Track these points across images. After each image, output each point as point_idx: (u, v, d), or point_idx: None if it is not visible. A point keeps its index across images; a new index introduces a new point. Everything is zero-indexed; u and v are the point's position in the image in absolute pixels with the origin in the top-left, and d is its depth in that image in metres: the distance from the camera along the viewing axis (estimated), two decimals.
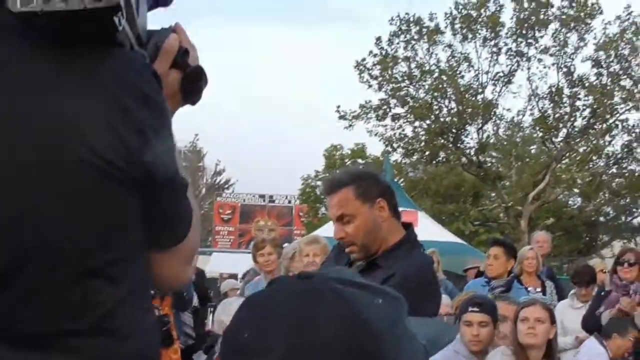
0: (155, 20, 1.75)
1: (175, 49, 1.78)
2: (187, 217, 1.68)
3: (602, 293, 6.68)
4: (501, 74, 27.89)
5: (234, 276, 14.91)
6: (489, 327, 4.60)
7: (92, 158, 1.43)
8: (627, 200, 29.46)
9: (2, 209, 1.41)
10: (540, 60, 27.43)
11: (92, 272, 1.46)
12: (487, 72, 27.94)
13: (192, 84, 1.83)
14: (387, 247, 3.24)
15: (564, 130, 27.95)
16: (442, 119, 28.53)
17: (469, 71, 28.30)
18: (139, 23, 1.60)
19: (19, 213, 1.41)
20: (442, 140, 29.08)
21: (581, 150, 27.79)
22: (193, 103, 1.87)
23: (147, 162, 1.51)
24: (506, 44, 27.44)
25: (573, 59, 27.15)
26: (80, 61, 1.48)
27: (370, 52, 28.32)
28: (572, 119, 27.69)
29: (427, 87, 28.31)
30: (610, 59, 26.78)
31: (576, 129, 27.76)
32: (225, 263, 24.78)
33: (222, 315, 5.79)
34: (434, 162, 30.28)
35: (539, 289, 7.81)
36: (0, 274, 1.41)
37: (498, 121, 29.31)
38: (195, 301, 9.38)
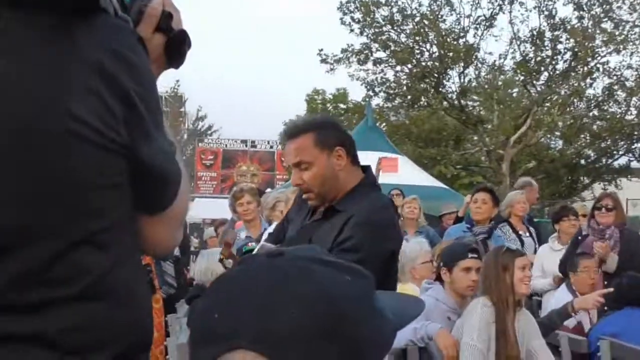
0: None
1: (159, 12, 1.78)
2: (176, 181, 1.70)
3: (580, 237, 6.75)
4: (483, 18, 27.76)
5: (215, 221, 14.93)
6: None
7: (76, 125, 1.43)
8: (608, 143, 29.52)
9: None
10: (522, 3, 27.28)
11: (83, 240, 1.48)
12: (468, 16, 27.80)
13: (176, 47, 1.83)
14: (345, 192, 3.28)
15: (546, 73, 27.94)
16: (423, 63, 28.42)
17: (451, 15, 28.16)
18: None
19: (3, 183, 1.41)
20: (424, 85, 29.01)
21: (562, 93, 27.76)
22: (177, 67, 1.88)
23: (132, 129, 1.53)
24: None
25: (555, 2, 27.03)
26: (63, 28, 1.48)
27: None
28: (553, 62, 27.66)
29: (408, 31, 28.16)
30: (592, 2, 26.67)
31: (557, 72, 27.73)
32: (207, 208, 24.84)
33: (200, 265, 5.83)
34: (416, 106, 30.23)
35: (527, 234, 7.91)
36: None
37: (480, 65, 29.21)
38: (177, 250, 9.40)
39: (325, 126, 3.34)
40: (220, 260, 3.14)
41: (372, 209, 3.19)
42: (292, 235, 3.44)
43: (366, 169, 3.44)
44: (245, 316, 1.07)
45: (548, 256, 7.32)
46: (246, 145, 37.02)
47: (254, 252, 3.35)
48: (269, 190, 10.93)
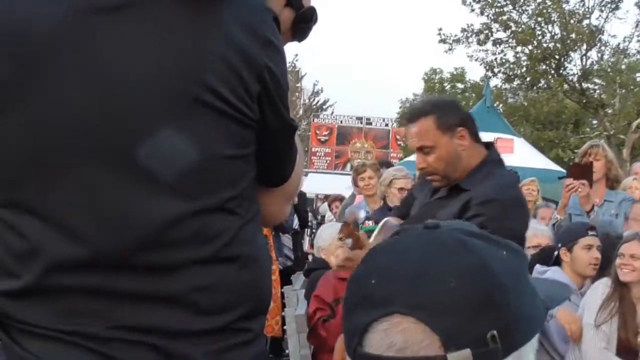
0: None
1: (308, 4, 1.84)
2: (294, 157, 1.77)
3: None
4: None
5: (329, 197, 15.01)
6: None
7: (210, 97, 1.50)
8: None
9: (134, 152, 1.47)
10: None
11: (217, 206, 1.56)
12: None
13: (304, 23, 1.88)
14: (469, 170, 3.22)
15: None
16: (544, 45, 27.77)
17: None
18: None
19: (144, 148, 1.47)
20: (544, 66, 28.35)
21: None
22: (300, 41, 1.93)
23: (264, 105, 1.60)
24: None
25: None
26: (205, 4, 1.54)
27: None
28: None
29: (530, 11, 27.57)
30: None
31: None
32: (321, 184, 24.83)
33: (319, 241, 5.87)
34: (535, 88, 29.62)
35: None
36: (126, 212, 1.48)
37: (603, 48, 28.39)
38: (295, 224, 9.48)
39: (445, 108, 3.28)
40: (340, 239, 3.18)
41: (499, 186, 3.13)
42: (416, 212, 3.41)
43: (489, 145, 3.38)
44: (403, 283, 1.08)
45: None
46: (361, 122, 36.79)
47: (376, 230, 3.36)
48: (383, 169, 10.91)
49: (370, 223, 4.94)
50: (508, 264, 1.12)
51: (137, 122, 1.47)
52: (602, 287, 4.37)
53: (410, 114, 3.35)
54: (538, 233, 5.58)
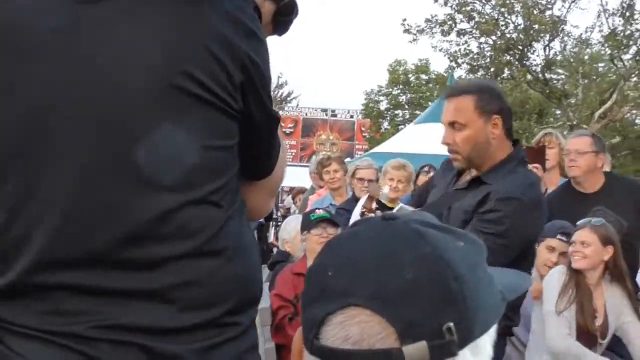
0: None
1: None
2: (277, 149, 1.77)
3: None
4: None
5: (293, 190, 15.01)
6: (567, 258, 4.63)
7: (193, 86, 1.49)
8: None
9: (114, 141, 1.46)
10: None
11: (202, 198, 1.54)
12: None
13: (285, 16, 1.87)
14: (493, 164, 3.22)
15: (634, 47, 27.18)
16: (508, 35, 27.97)
17: None
18: None
19: (129, 140, 1.46)
20: (508, 57, 28.55)
21: None
22: (280, 34, 1.91)
23: (248, 96, 1.59)
24: None
25: None
26: None
27: None
28: None
29: (494, 2, 27.72)
30: None
31: None
32: (287, 176, 24.86)
33: (283, 234, 5.87)
34: (499, 78, 29.81)
35: None
36: (110, 207, 1.46)
37: (565, 38, 28.65)
38: None
39: (489, 92, 3.27)
40: (362, 214, 3.20)
41: (521, 185, 3.13)
42: (434, 200, 3.40)
43: (516, 142, 3.38)
44: (360, 275, 1.08)
45: None
46: (326, 114, 36.94)
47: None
48: (348, 159, 10.95)
49: (320, 211, 4.97)
50: (465, 255, 1.12)
51: (119, 114, 1.45)
52: (557, 274, 4.44)
53: (452, 89, 3.35)
54: None
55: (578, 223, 4.60)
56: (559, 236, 4.76)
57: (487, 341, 1.10)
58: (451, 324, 1.03)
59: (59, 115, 1.44)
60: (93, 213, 1.45)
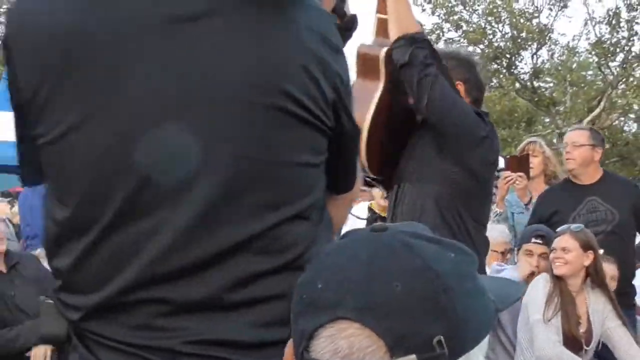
0: None
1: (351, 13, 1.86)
2: (358, 165, 1.79)
3: None
4: None
5: None
6: (548, 260, 4.66)
7: (290, 103, 1.48)
8: None
9: (215, 158, 1.44)
10: None
11: (295, 214, 1.53)
12: None
13: (347, 31, 1.89)
14: None
15: (621, 55, 27.31)
16: (496, 44, 28.07)
17: None
18: None
19: (229, 157, 1.45)
20: (496, 65, 28.64)
21: (638, 75, 27.17)
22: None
23: (340, 113, 1.60)
24: None
25: None
26: (279, 9, 1.53)
27: None
28: (629, 44, 27.01)
29: (481, 11, 27.83)
30: None
31: (633, 54, 27.12)
32: None
33: None
34: (488, 87, 29.88)
35: None
36: (215, 222, 1.45)
37: (553, 46, 28.77)
38: None
39: (456, 59, 3.62)
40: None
41: None
42: None
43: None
44: (350, 288, 1.07)
45: None
46: None
47: None
48: None
49: None
50: (455, 267, 1.12)
51: (219, 131, 1.44)
52: (542, 282, 4.48)
53: None
54: (498, 236, 5.64)
55: (558, 230, 4.64)
56: (533, 239, 4.82)
57: (478, 353, 1.10)
58: (441, 337, 1.03)
59: (167, 127, 1.43)
60: (198, 229, 1.44)
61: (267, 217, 1.48)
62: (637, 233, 5.55)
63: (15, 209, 10.17)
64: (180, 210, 1.43)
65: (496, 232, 5.60)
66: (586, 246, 4.45)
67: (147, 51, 1.43)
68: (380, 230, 1.16)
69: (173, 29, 1.44)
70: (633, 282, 5.48)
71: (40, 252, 6.17)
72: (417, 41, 3.25)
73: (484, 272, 3.91)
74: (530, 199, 6.05)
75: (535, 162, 6.20)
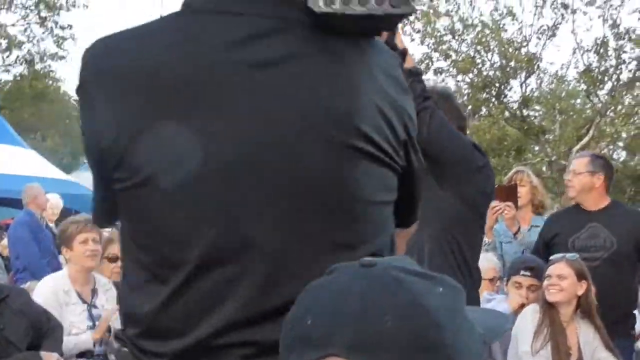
0: None
1: (403, 46, 1.87)
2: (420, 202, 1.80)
3: None
4: (545, 27, 27.41)
5: None
6: (537, 292, 4.67)
7: (364, 143, 1.50)
8: None
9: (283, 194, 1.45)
10: (585, 13, 26.86)
11: (373, 254, 1.49)
12: (531, 25, 27.48)
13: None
14: None
15: (609, 83, 27.42)
16: (485, 73, 28.16)
17: (513, 24, 27.86)
18: None
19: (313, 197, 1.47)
20: (485, 94, 28.71)
21: (626, 103, 27.26)
22: None
23: (410, 152, 1.63)
24: None
25: (619, 11, 26.57)
26: (354, 51, 1.55)
27: None
28: (617, 72, 27.13)
29: (470, 40, 27.94)
30: None
31: (622, 82, 27.23)
32: None
33: None
34: (477, 116, 29.95)
35: None
36: (303, 262, 1.45)
37: (542, 75, 28.90)
38: None
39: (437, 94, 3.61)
40: None
41: None
42: None
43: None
44: (340, 324, 1.07)
45: None
46: None
47: None
48: None
49: None
50: (444, 301, 1.12)
51: (299, 171, 1.46)
52: (531, 313, 4.48)
53: None
54: (486, 263, 5.64)
55: (552, 258, 4.65)
56: (522, 272, 4.83)
57: None
58: None
59: (235, 180, 1.44)
60: (282, 269, 1.45)
61: (345, 256, 1.45)
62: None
63: (5, 241, 10.12)
64: (264, 252, 1.44)
65: (484, 260, 5.61)
66: (581, 275, 4.47)
67: (232, 95, 1.45)
68: (370, 265, 1.16)
69: (257, 73, 1.46)
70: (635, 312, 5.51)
71: (30, 285, 6.14)
72: (414, 75, 3.28)
73: (479, 303, 3.91)
74: (519, 228, 6.07)
75: (522, 192, 6.23)
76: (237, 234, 1.43)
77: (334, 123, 1.48)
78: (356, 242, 1.51)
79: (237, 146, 1.43)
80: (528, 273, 4.86)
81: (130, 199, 1.49)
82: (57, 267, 7.82)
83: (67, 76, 37.29)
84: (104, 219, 1.72)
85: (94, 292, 5.41)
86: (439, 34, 27.97)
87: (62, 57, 30.06)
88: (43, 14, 28.81)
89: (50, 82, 33.23)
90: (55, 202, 11.21)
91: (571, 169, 5.73)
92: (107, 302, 5.40)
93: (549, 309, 4.43)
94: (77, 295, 5.31)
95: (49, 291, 5.29)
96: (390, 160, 1.56)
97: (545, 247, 5.44)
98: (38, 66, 30.37)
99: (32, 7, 28.67)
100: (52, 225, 10.66)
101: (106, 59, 1.50)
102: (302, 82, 1.48)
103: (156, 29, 1.54)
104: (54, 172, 16.55)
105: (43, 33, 29.19)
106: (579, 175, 5.58)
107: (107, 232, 6.86)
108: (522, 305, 4.77)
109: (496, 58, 27.95)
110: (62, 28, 29.19)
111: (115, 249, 6.11)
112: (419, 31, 28.01)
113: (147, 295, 1.49)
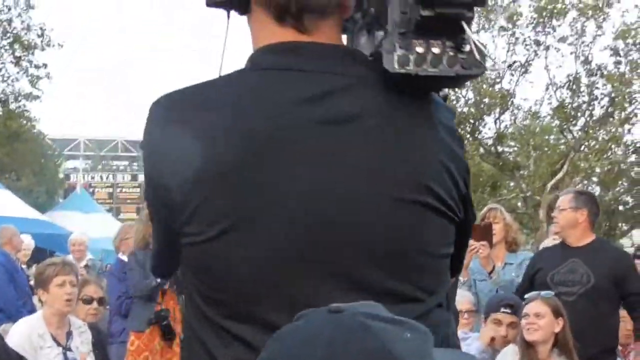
0: None
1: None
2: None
3: None
4: (518, 64, 27.69)
5: None
6: (517, 329, 4.68)
7: (432, 200, 1.52)
8: None
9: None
10: (557, 49, 27.20)
11: (439, 304, 1.59)
12: (503, 62, 27.74)
13: None
14: None
15: (583, 119, 27.72)
16: (459, 110, 28.38)
17: (486, 61, 28.05)
18: None
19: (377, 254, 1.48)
20: (460, 131, 28.86)
21: (600, 139, 27.54)
22: None
23: (467, 206, 1.66)
24: (522, 34, 27.23)
25: (591, 48, 26.95)
26: (420, 107, 1.58)
27: None
28: (590, 108, 27.44)
29: None
30: (629, 48, 26.53)
31: (595, 118, 27.52)
32: None
33: None
34: None
35: None
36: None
37: (516, 111, 29.15)
38: None
39: None
40: None
41: None
42: None
43: None
44: None
45: None
46: None
47: None
48: None
49: None
50: (412, 346, 1.12)
51: (371, 226, 1.47)
52: (510, 354, 4.47)
53: None
54: (461, 298, 5.66)
55: (527, 296, 4.67)
56: (502, 309, 4.83)
57: None
58: None
59: (302, 237, 1.44)
60: None
61: (416, 309, 1.49)
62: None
63: None
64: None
65: (460, 296, 5.64)
66: (557, 312, 4.49)
67: (305, 153, 1.46)
68: (338, 311, 1.16)
69: (328, 131, 1.48)
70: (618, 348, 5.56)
71: (4, 327, 6.06)
72: None
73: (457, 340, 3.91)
74: (494, 267, 6.09)
75: (496, 229, 6.28)
76: (313, 286, 1.44)
77: (403, 179, 1.50)
78: (425, 294, 1.54)
79: (312, 203, 1.45)
80: (508, 310, 4.87)
81: (201, 254, 1.48)
82: (33, 309, 7.74)
83: (42, 115, 37.10)
84: (164, 271, 1.75)
85: (69, 334, 5.32)
86: None
87: (36, 97, 29.99)
88: (17, 54, 28.75)
89: (25, 121, 33.06)
90: (27, 242, 11.13)
91: (556, 205, 5.81)
92: (82, 344, 5.32)
93: (527, 348, 4.44)
94: (52, 338, 5.23)
95: (24, 335, 5.23)
96: (452, 214, 1.58)
97: (530, 283, 5.50)
98: (12, 105, 30.24)
99: (7, 47, 28.61)
100: (24, 266, 10.56)
101: (171, 112, 1.51)
102: (373, 140, 1.50)
103: (223, 84, 1.56)
104: (28, 211, 16.48)
105: (17, 72, 29.16)
106: (563, 212, 5.66)
107: (81, 273, 6.79)
108: (493, 339, 4.78)
109: (470, 94, 28.22)
110: (37, 67, 29.17)
111: (90, 291, 6.05)
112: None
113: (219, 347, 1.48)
